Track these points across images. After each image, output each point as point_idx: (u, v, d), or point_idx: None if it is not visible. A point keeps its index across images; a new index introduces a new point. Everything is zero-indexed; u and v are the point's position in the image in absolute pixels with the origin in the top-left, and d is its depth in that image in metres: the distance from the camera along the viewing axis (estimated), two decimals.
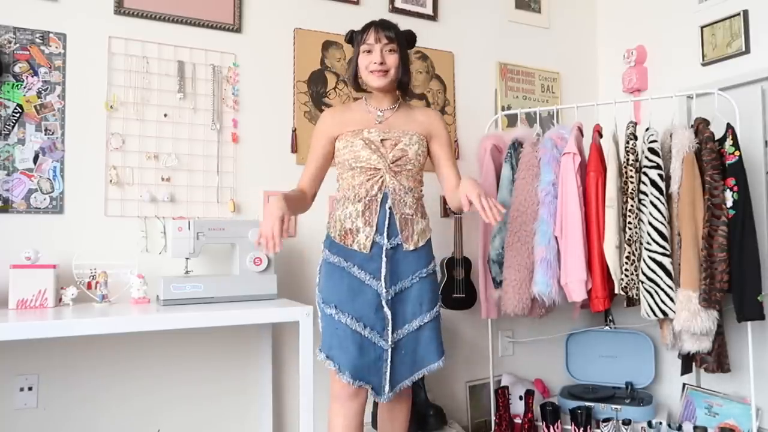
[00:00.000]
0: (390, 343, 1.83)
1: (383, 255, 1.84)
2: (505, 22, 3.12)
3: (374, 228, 1.84)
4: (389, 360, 1.83)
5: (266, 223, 1.68)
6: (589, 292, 2.36)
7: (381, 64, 1.85)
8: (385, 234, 1.84)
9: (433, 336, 1.91)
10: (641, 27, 3.10)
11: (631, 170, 2.36)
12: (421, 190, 1.97)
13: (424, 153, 1.95)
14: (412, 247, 1.88)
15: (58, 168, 2.16)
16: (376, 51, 1.86)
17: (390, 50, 1.87)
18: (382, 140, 1.88)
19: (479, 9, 3.05)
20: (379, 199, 1.85)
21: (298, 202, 1.89)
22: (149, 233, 2.29)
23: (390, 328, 1.83)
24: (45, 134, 2.15)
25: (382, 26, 1.88)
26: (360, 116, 1.94)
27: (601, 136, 2.49)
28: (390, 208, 1.85)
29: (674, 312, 2.22)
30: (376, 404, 2.41)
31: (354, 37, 1.95)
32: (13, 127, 2.11)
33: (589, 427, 2.44)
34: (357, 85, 1.96)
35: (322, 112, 2.19)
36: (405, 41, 1.94)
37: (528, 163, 2.50)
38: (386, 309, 1.83)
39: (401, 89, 1.97)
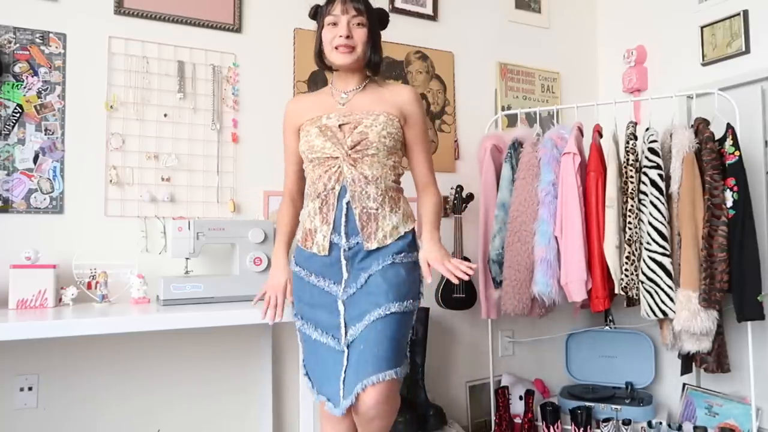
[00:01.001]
0: (343, 342, 1.59)
1: (341, 258, 1.63)
2: (505, 22, 3.12)
3: (331, 226, 1.63)
4: (345, 362, 1.56)
5: (270, 292, 1.69)
6: (589, 292, 2.36)
7: (347, 38, 1.63)
8: (342, 233, 1.62)
9: (393, 334, 1.55)
10: (641, 27, 3.10)
11: (631, 170, 2.36)
12: (392, 180, 1.70)
13: (393, 134, 1.66)
14: (374, 246, 1.62)
15: (58, 168, 2.16)
16: (342, 23, 1.64)
17: (358, 24, 1.65)
18: (340, 125, 1.65)
19: (479, 9, 3.05)
20: (337, 193, 1.63)
21: (296, 227, 1.81)
22: (149, 233, 2.29)
23: (343, 324, 1.59)
24: (45, 134, 2.15)
25: None
26: (323, 100, 1.74)
27: (601, 136, 2.49)
28: (348, 203, 1.62)
29: (674, 312, 2.22)
30: None
31: (318, 11, 1.72)
32: (13, 127, 2.11)
33: (589, 427, 2.44)
34: (322, 63, 1.74)
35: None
36: (376, 17, 1.72)
37: (528, 163, 2.50)
38: (339, 306, 1.62)
39: (371, 70, 1.75)
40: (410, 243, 1.70)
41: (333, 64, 1.70)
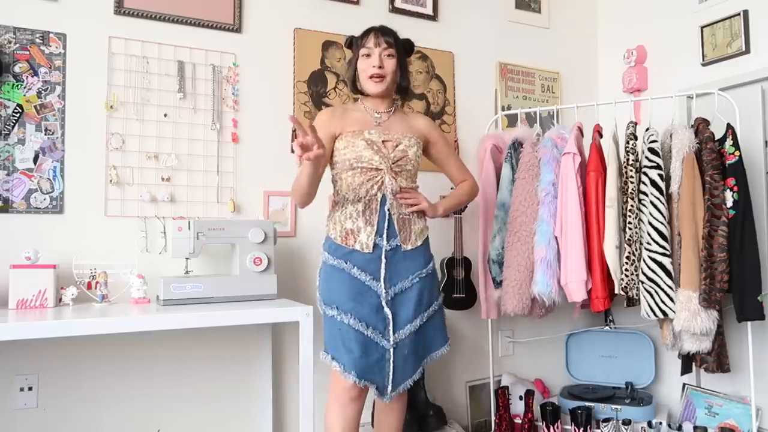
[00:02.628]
0: (392, 342, 1.84)
1: (382, 256, 1.86)
2: (505, 22, 3.12)
3: (375, 228, 1.86)
4: (392, 360, 1.84)
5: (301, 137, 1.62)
6: (589, 292, 2.36)
7: (379, 68, 1.89)
8: (384, 235, 1.87)
9: (436, 327, 1.96)
10: (641, 27, 3.10)
11: (631, 170, 2.36)
12: (417, 191, 2.00)
13: (420, 155, 2.00)
14: (410, 247, 1.91)
15: (58, 168, 2.16)
16: (375, 55, 1.90)
17: (389, 55, 1.91)
18: (383, 141, 1.90)
19: (479, 9, 3.05)
20: (379, 200, 1.88)
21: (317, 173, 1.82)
22: (149, 233, 2.29)
23: (391, 328, 1.84)
24: (45, 134, 2.15)
25: (381, 31, 1.93)
26: (359, 116, 1.96)
27: (601, 136, 2.49)
28: (388, 210, 1.88)
29: (674, 312, 2.22)
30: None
31: (354, 42, 1.99)
32: (13, 127, 2.11)
33: (589, 427, 2.44)
34: (355, 88, 2.01)
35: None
36: (403, 48, 1.99)
37: (528, 163, 2.50)
38: (386, 309, 1.84)
39: (401, 94, 2.03)
40: (429, 250, 2.00)
41: (366, 91, 1.95)
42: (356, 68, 1.96)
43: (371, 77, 1.91)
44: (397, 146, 1.92)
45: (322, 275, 1.92)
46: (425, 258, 1.96)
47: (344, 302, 1.83)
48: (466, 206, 2.72)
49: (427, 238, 2.00)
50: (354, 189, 1.89)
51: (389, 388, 1.84)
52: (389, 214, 1.88)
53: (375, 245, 1.86)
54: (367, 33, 1.94)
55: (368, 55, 1.92)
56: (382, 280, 1.85)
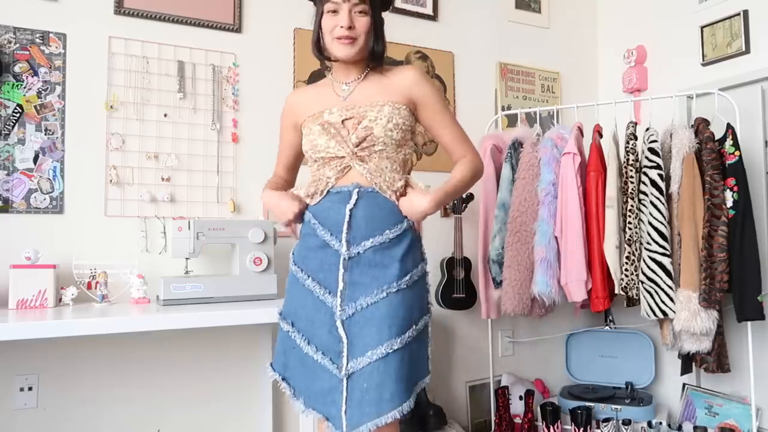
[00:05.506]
0: (344, 372, 1.45)
1: (340, 266, 1.50)
2: (505, 22, 3.12)
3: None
4: (345, 393, 1.44)
5: (284, 221, 1.60)
6: (589, 292, 2.36)
7: (349, 28, 1.50)
8: (343, 239, 1.49)
9: (422, 348, 1.54)
10: (641, 27, 3.10)
11: (631, 170, 2.36)
12: (401, 177, 1.55)
13: (401, 125, 1.53)
14: (380, 256, 1.50)
15: (58, 168, 2.16)
16: (344, 11, 1.50)
17: (360, 12, 1.51)
18: (343, 120, 1.53)
19: (479, 9, 3.05)
20: (343, 196, 1.53)
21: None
22: (149, 233, 2.29)
23: (345, 354, 1.46)
24: (45, 134, 2.15)
25: None
26: (324, 94, 1.61)
27: (601, 136, 2.49)
28: (351, 210, 1.50)
29: (674, 312, 2.22)
30: None
31: None
32: (13, 127, 2.11)
33: (589, 427, 2.44)
34: (320, 53, 1.59)
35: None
36: (378, 2, 1.58)
37: (528, 163, 2.50)
38: (340, 331, 1.47)
39: (375, 60, 1.60)
40: (415, 256, 1.56)
41: (333, 56, 1.56)
42: (320, 27, 1.55)
43: (338, 39, 1.51)
44: (359, 123, 1.51)
45: (287, 283, 1.65)
46: (402, 269, 1.51)
47: (297, 319, 1.56)
48: (467, 206, 2.73)
49: (412, 243, 1.55)
50: (316, 183, 1.57)
51: (344, 425, 1.43)
52: (351, 214, 1.50)
53: (332, 251, 1.52)
54: None
55: (335, 11, 1.51)
56: (338, 295, 1.49)
